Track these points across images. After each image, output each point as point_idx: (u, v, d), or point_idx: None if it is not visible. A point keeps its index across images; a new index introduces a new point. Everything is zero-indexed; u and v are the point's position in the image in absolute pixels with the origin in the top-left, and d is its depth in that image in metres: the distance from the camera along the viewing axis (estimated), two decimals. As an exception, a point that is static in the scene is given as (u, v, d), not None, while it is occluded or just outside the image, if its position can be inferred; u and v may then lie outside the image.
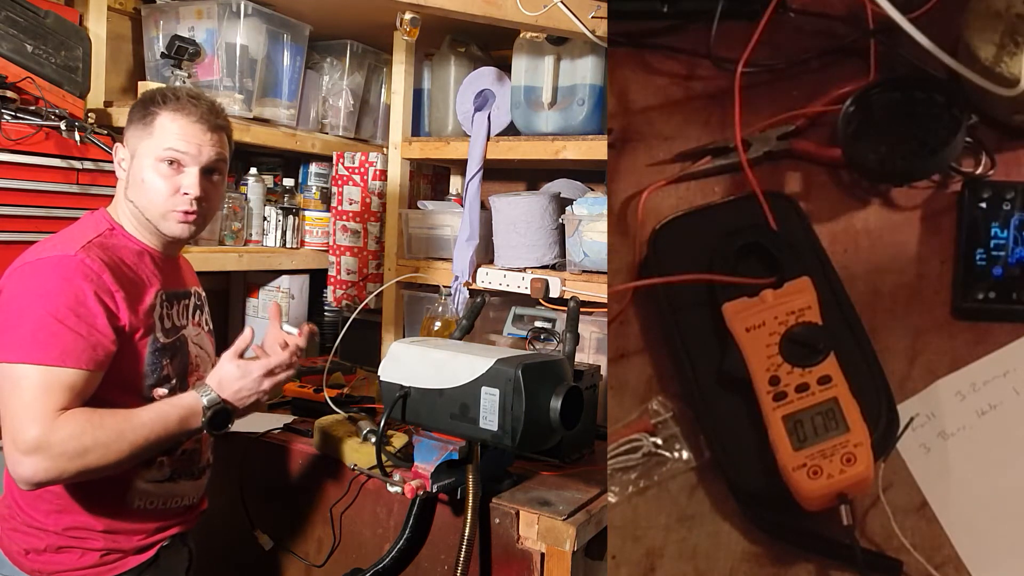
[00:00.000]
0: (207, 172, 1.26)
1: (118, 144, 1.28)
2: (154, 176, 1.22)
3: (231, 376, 1.22)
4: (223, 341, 2.50)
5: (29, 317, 1.10)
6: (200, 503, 1.37)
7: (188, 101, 1.26)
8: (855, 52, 1.13)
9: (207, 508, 1.40)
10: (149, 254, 1.27)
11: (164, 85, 1.35)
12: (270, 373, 1.24)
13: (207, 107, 1.28)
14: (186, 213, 1.25)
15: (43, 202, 1.56)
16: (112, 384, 1.16)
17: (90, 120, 1.70)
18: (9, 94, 1.51)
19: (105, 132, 1.64)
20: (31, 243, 1.52)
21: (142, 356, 1.21)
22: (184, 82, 1.92)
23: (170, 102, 1.25)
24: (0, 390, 1.10)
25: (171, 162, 1.23)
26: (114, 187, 1.65)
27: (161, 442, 1.16)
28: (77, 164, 1.60)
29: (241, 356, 1.24)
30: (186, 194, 1.23)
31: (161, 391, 1.24)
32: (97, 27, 1.94)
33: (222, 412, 1.20)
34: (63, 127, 1.54)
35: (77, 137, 1.57)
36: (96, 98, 1.91)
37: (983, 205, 1.05)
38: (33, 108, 1.55)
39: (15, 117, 1.50)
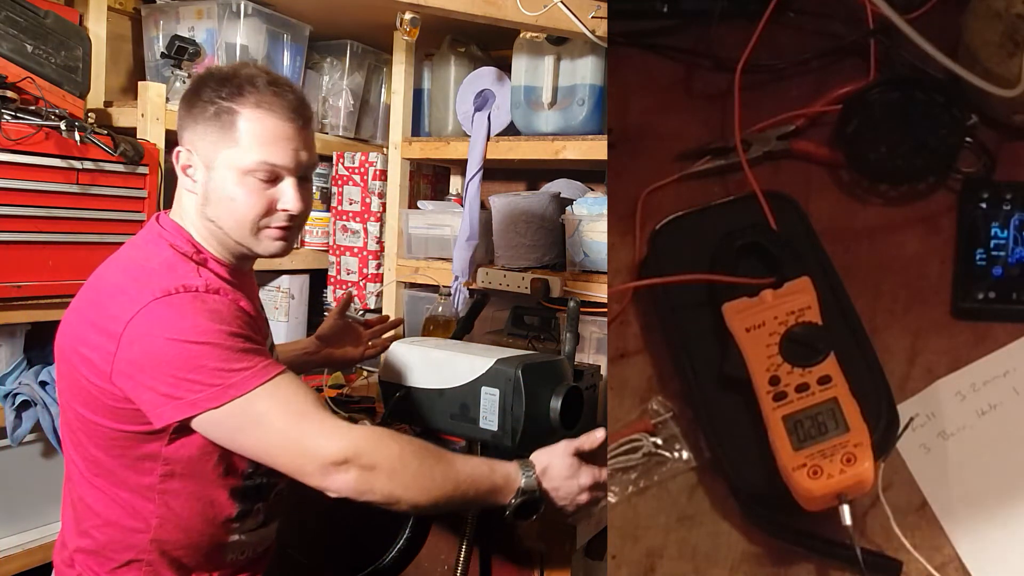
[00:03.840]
0: (302, 179, 1.09)
1: (181, 148, 1.07)
2: (243, 192, 1.04)
3: (560, 471, 1.09)
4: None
5: (206, 352, 0.95)
6: (272, 544, 1.27)
7: (270, 91, 1.04)
8: (855, 52, 1.13)
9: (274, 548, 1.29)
10: (237, 272, 1.14)
11: (222, 66, 1.10)
12: (595, 487, 1.10)
13: (293, 96, 1.07)
14: (282, 229, 1.08)
15: (43, 202, 1.55)
16: None
17: (90, 120, 1.70)
18: (9, 94, 1.51)
19: (105, 132, 1.64)
20: (32, 243, 1.53)
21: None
22: (184, 82, 1.92)
23: (249, 94, 1.03)
24: (243, 431, 0.97)
25: (264, 174, 1.05)
26: (115, 187, 1.68)
27: (459, 504, 1.04)
28: (77, 164, 1.60)
29: (579, 456, 1.11)
30: (284, 210, 1.07)
31: None
32: (97, 27, 1.94)
33: (533, 502, 1.07)
34: (63, 127, 1.54)
35: (77, 137, 1.57)
36: (96, 98, 1.91)
37: (983, 205, 1.05)
38: (33, 108, 1.54)
39: (15, 117, 1.50)
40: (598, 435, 1.11)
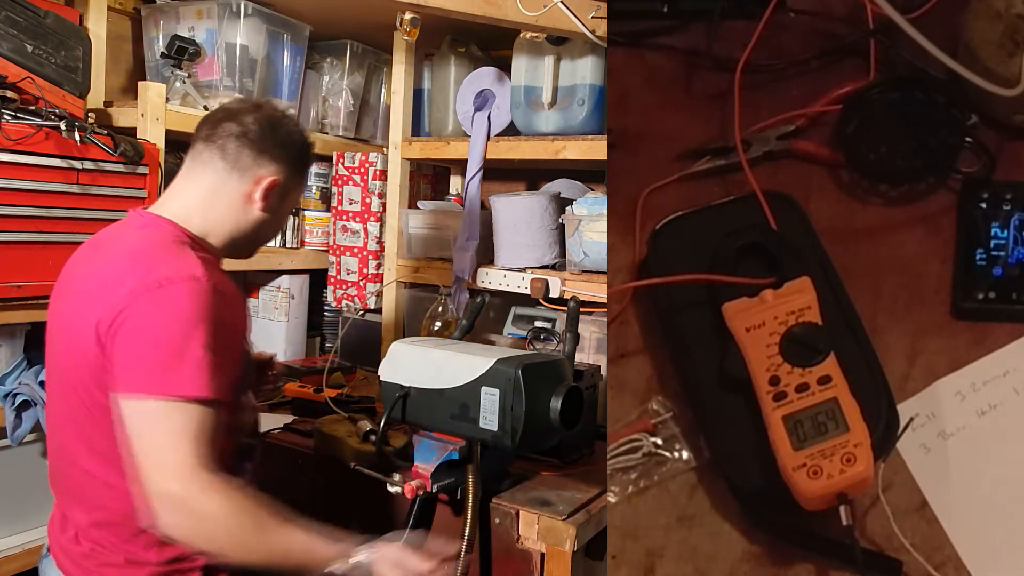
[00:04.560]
0: None
1: (277, 179, 1.20)
2: (286, 218, 1.31)
3: (390, 560, 1.12)
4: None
5: (178, 347, 1.02)
6: None
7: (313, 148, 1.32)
8: (855, 52, 1.13)
9: None
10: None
11: (298, 125, 1.31)
12: (437, 566, 1.12)
13: None
14: None
15: (43, 202, 1.55)
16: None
17: (90, 120, 1.70)
18: (9, 94, 1.51)
19: (105, 132, 1.64)
20: (32, 243, 1.53)
21: (241, 363, 1.19)
22: (184, 82, 1.92)
23: (312, 151, 1.30)
24: (135, 426, 1.03)
25: None
26: (115, 187, 1.68)
27: (290, 568, 1.07)
28: (77, 164, 1.60)
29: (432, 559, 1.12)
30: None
31: (248, 397, 1.29)
32: (97, 27, 1.94)
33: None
34: (63, 127, 1.54)
35: (77, 137, 1.57)
36: (96, 98, 1.91)
37: (983, 205, 1.05)
38: (33, 108, 1.54)
39: (15, 117, 1.50)
40: (452, 550, 1.16)
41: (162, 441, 1.02)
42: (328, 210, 2.38)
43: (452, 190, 2.57)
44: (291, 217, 2.35)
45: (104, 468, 1.11)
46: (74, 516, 1.15)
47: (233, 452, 1.20)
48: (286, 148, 1.22)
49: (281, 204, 1.24)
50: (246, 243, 1.25)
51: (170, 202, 1.21)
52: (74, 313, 1.12)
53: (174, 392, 1.02)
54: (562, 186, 2.19)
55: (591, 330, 1.81)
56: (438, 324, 1.86)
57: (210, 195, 1.20)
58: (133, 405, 1.03)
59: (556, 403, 1.20)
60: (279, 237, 2.34)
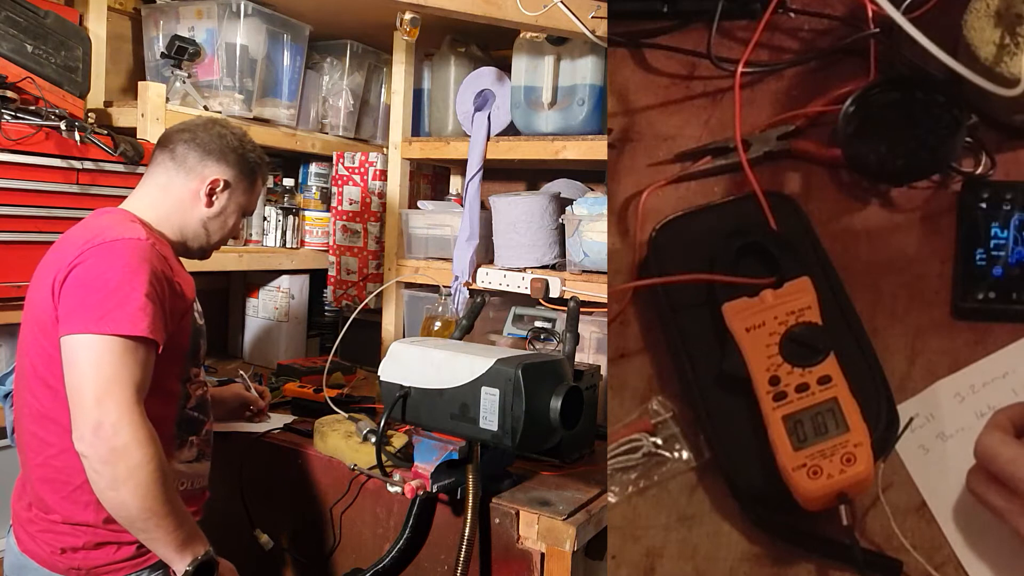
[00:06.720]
0: None
1: (219, 178, 1.33)
2: (235, 220, 1.39)
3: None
4: (223, 341, 2.51)
5: (118, 290, 1.11)
6: (206, 488, 1.38)
7: (266, 163, 1.45)
8: (855, 52, 1.13)
9: (209, 497, 1.40)
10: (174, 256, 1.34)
11: (251, 140, 1.42)
12: None
13: None
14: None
15: (43, 202, 1.55)
16: (161, 365, 1.17)
17: (90, 120, 1.70)
18: (9, 94, 1.51)
19: (105, 132, 1.64)
20: (32, 243, 1.53)
21: (187, 335, 1.27)
22: (184, 82, 1.92)
23: (265, 167, 1.43)
24: (74, 359, 1.10)
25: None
26: (115, 187, 1.68)
27: (156, 537, 1.12)
28: (77, 164, 1.60)
29: None
30: (235, 238, 1.46)
31: (198, 371, 1.33)
32: (97, 27, 1.94)
33: (208, 564, 1.18)
34: (63, 127, 1.54)
35: (77, 137, 1.57)
36: (96, 98, 1.91)
37: (983, 205, 1.05)
38: (33, 108, 1.55)
39: (15, 117, 1.50)
40: None
41: (97, 373, 1.08)
42: (328, 210, 2.38)
43: (452, 190, 2.57)
44: (291, 217, 2.35)
45: (47, 425, 1.19)
46: (27, 476, 1.24)
47: (175, 421, 1.28)
48: (233, 152, 1.35)
49: (227, 203, 1.35)
50: (195, 239, 1.35)
51: (128, 201, 1.34)
52: (37, 287, 1.22)
53: (112, 330, 1.09)
54: (562, 186, 2.19)
55: (591, 330, 1.81)
56: (438, 324, 1.86)
57: (161, 191, 1.33)
58: (74, 340, 1.10)
59: (556, 403, 1.20)
60: (279, 237, 2.34)
